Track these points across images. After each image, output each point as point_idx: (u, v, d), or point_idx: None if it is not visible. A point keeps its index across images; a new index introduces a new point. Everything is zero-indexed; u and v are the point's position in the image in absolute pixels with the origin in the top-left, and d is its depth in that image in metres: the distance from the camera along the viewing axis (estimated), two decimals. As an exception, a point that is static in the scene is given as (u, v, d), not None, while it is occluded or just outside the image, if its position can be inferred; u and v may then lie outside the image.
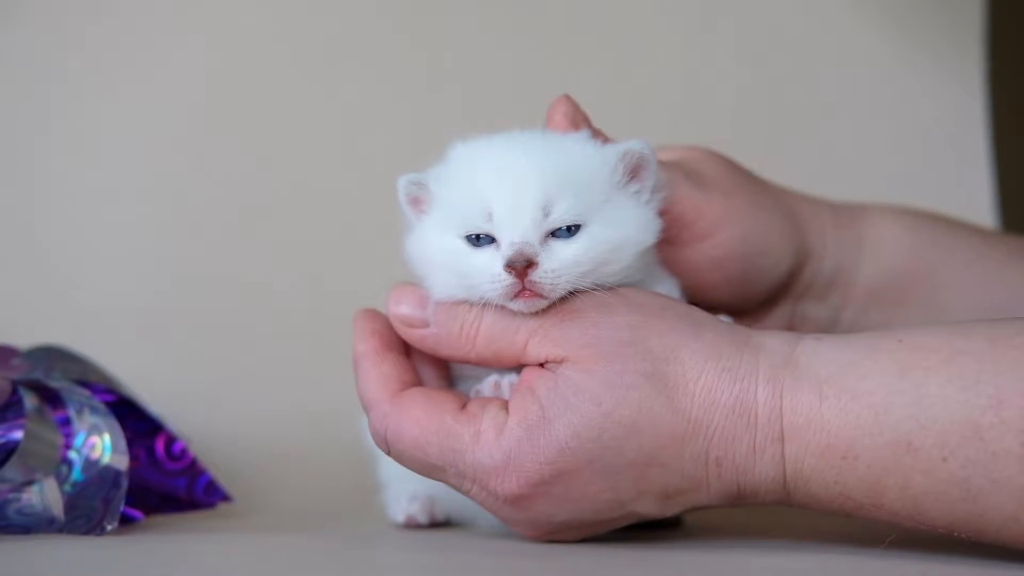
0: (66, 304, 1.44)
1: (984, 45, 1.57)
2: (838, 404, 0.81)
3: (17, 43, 1.48)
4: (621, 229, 0.88)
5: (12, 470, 0.98)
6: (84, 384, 1.04)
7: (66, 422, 1.01)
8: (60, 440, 1.01)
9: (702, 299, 0.96)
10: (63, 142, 1.48)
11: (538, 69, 1.55)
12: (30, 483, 0.98)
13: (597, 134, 0.93)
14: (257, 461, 1.30)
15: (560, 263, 0.85)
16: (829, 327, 1.07)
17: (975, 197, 1.55)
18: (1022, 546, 0.80)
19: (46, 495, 0.98)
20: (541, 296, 0.86)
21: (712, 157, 1.02)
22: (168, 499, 1.07)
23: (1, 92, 1.48)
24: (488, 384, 0.90)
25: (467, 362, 0.90)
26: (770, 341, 0.85)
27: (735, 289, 0.98)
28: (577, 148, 0.90)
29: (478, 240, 0.88)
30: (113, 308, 1.45)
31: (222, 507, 1.09)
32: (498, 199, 0.87)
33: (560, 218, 0.86)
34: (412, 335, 0.90)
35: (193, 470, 1.07)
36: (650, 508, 0.86)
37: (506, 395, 0.88)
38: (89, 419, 1.01)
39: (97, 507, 0.98)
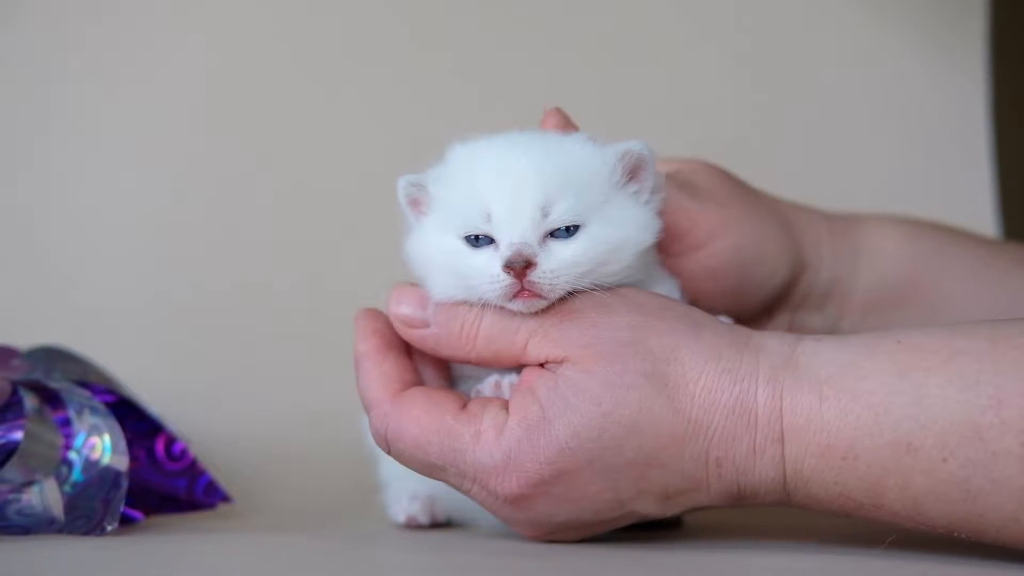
0: (66, 304, 1.44)
1: (987, 41, 1.57)
2: (838, 405, 0.81)
3: (17, 43, 1.48)
4: (620, 229, 0.88)
5: (12, 471, 0.98)
6: (84, 385, 1.04)
7: (66, 423, 1.01)
8: (60, 441, 1.01)
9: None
10: (63, 142, 1.48)
11: (538, 69, 1.55)
12: (30, 484, 0.98)
13: None
14: (257, 461, 1.30)
15: (559, 263, 0.85)
16: None
17: (976, 194, 1.55)
18: (1022, 546, 0.80)
19: (46, 496, 0.98)
20: (540, 296, 0.86)
21: (707, 168, 1.02)
22: (168, 500, 1.07)
23: (1, 92, 1.48)
24: (488, 384, 0.90)
25: (467, 362, 0.90)
26: (770, 342, 0.85)
27: (731, 300, 0.98)
28: (576, 149, 0.90)
29: (477, 241, 0.88)
30: (113, 308, 1.45)
31: (222, 507, 1.09)
32: (497, 200, 0.87)
33: (559, 219, 0.86)
34: (412, 335, 0.90)
35: (193, 471, 1.07)
36: (650, 508, 0.86)
37: (506, 395, 0.88)
38: (89, 420, 1.01)
39: (97, 508, 0.98)
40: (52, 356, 1.08)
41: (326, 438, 1.29)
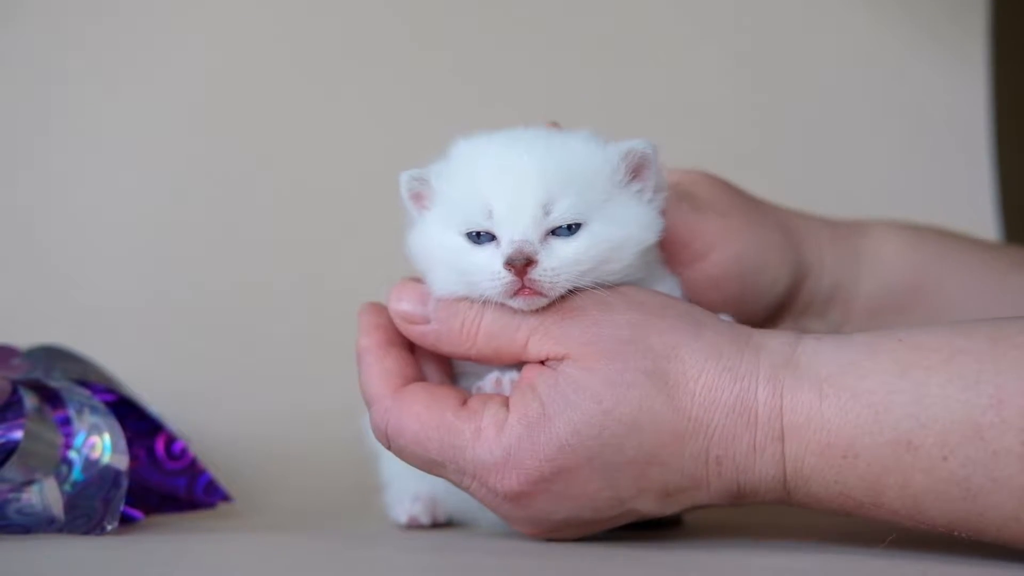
0: (66, 304, 1.44)
1: (987, 41, 1.57)
2: (838, 403, 0.81)
3: (17, 43, 1.48)
4: (622, 228, 0.88)
5: (12, 470, 0.98)
6: (84, 384, 1.04)
7: (66, 422, 1.01)
8: (60, 440, 1.01)
9: None
10: (63, 142, 1.48)
11: (538, 69, 1.55)
12: (30, 483, 0.98)
13: None
14: (257, 461, 1.30)
15: (560, 261, 0.85)
16: None
17: (977, 194, 1.55)
18: (1022, 546, 0.80)
19: (46, 495, 0.98)
20: (541, 294, 0.86)
21: (708, 179, 1.02)
22: (168, 499, 1.07)
23: (1, 92, 1.48)
24: (489, 381, 0.90)
25: (468, 359, 0.90)
26: (771, 340, 0.86)
27: (734, 308, 0.98)
28: (579, 146, 0.90)
29: (479, 237, 0.88)
30: (113, 308, 1.45)
31: (222, 507, 1.09)
32: (499, 197, 0.87)
33: (561, 216, 0.86)
34: (413, 331, 0.91)
35: (193, 470, 1.07)
36: (650, 506, 0.86)
37: (507, 392, 0.88)
38: (89, 419, 1.01)
39: (97, 507, 0.98)
40: (52, 355, 1.08)
41: (326, 438, 1.29)
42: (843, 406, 0.81)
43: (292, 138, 1.51)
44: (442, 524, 1.02)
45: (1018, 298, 1.08)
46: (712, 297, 0.97)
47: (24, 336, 1.17)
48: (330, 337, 1.26)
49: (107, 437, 1.00)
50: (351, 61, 1.53)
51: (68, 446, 1.00)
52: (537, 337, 0.86)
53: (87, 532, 0.97)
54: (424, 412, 0.87)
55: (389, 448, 0.90)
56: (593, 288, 0.86)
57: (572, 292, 0.86)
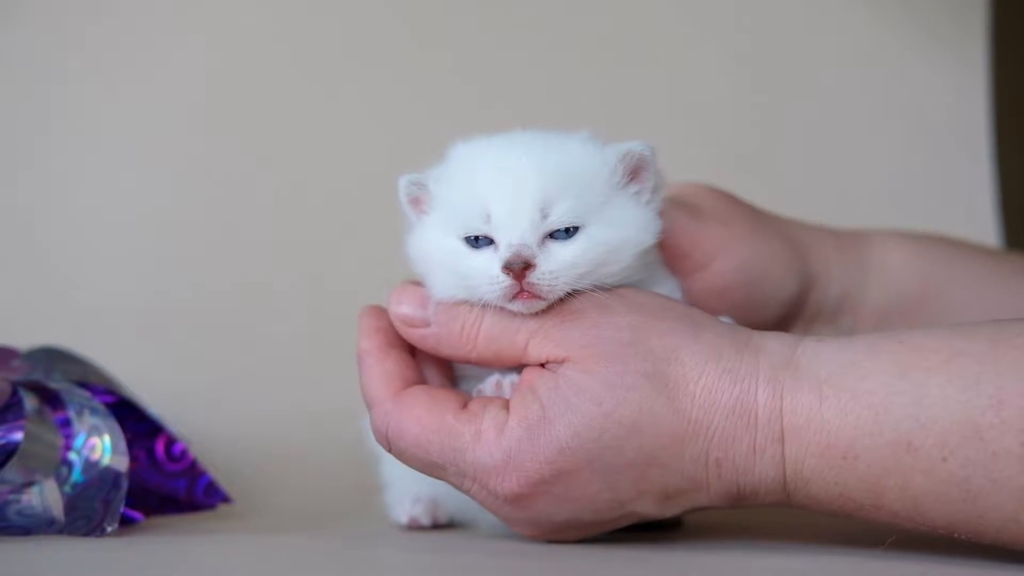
0: (66, 304, 1.44)
1: (987, 41, 1.57)
2: (838, 404, 0.81)
3: (17, 43, 1.48)
4: (620, 230, 0.88)
5: (12, 471, 0.98)
6: (84, 385, 1.04)
7: (66, 423, 1.01)
8: (60, 441, 1.01)
9: None
10: (63, 142, 1.48)
11: (538, 69, 1.55)
12: (30, 484, 0.98)
13: None
14: (257, 461, 1.30)
15: (558, 265, 0.86)
16: None
17: (977, 194, 1.55)
18: (1022, 547, 0.80)
19: (46, 496, 0.98)
20: (539, 297, 0.86)
21: (709, 190, 1.02)
22: (168, 500, 1.07)
23: (1, 92, 1.48)
24: (490, 383, 0.90)
25: (468, 362, 0.90)
26: (770, 342, 0.86)
27: (740, 317, 0.98)
28: (577, 149, 0.90)
29: (477, 241, 0.88)
30: (113, 308, 1.45)
31: (222, 508, 1.09)
32: (496, 200, 0.87)
33: (558, 220, 0.86)
34: (413, 335, 0.91)
35: (193, 471, 1.07)
36: (650, 508, 0.86)
37: (507, 395, 0.88)
38: (89, 420, 1.01)
39: (97, 508, 0.98)
40: (52, 357, 1.08)
41: (326, 438, 1.29)
42: (843, 407, 0.81)
43: (292, 138, 1.51)
44: (443, 525, 1.02)
45: (1023, 304, 1.08)
46: (717, 307, 0.97)
47: (24, 337, 1.17)
48: (330, 337, 1.26)
49: (107, 438, 1.00)
50: (351, 61, 1.53)
51: (68, 447, 1.00)
52: (537, 340, 0.86)
53: (87, 534, 0.97)
54: (424, 415, 0.87)
55: (390, 451, 0.90)
56: (592, 291, 0.86)
57: (571, 295, 0.86)
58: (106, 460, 1.00)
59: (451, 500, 0.99)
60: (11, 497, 0.98)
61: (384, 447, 0.90)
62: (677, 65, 1.57)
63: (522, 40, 1.55)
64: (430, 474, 0.89)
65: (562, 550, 0.89)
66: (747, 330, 0.87)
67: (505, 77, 1.54)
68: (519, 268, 0.85)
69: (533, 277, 0.85)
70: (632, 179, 0.90)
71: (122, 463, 0.99)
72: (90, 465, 1.00)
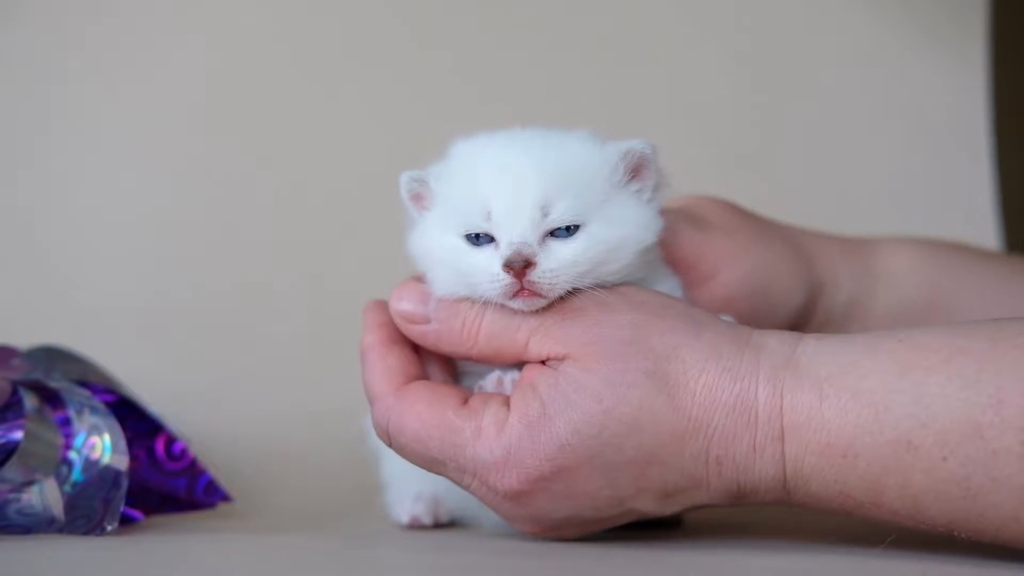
0: (66, 304, 1.44)
1: (987, 41, 1.57)
2: (838, 403, 0.81)
3: (17, 43, 1.48)
4: (621, 229, 0.88)
5: (12, 470, 0.98)
6: (84, 384, 1.04)
7: (66, 422, 1.01)
8: (60, 440, 1.01)
9: None
10: (63, 142, 1.48)
11: (538, 69, 1.55)
12: (30, 483, 0.98)
13: None
14: (257, 461, 1.30)
15: (558, 263, 0.86)
16: None
17: (977, 195, 1.55)
18: (1022, 545, 0.80)
19: (46, 495, 0.98)
20: (540, 295, 0.86)
21: (715, 202, 1.03)
22: (168, 499, 1.07)
23: (1, 92, 1.48)
24: (491, 380, 0.90)
25: (468, 359, 0.90)
26: (771, 341, 0.86)
27: (749, 326, 0.98)
28: (578, 147, 0.90)
29: (477, 239, 0.88)
30: (113, 308, 1.45)
31: (222, 507, 1.09)
32: (497, 198, 0.87)
33: (559, 218, 0.86)
34: (413, 331, 0.91)
35: (193, 470, 1.07)
36: (650, 506, 0.86)
37: (508, 391, 0.88)
38: (89, 419, 1.01)
39: (97, 507, 0.98)
40: (52, 356, 1.08)
41: (326, 438, 1.29)
42: (843, 406, 0.81)
43: (292, 138, 1.51)
44: (443, 524, 1.02)
45: None
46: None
47: (24, 336, 1.17)
48: (330, 337, 1.26)
49: (107, 438, 1.00)
50: (351, 61, 1.53)
51: (68, 447, 1.00)
52: (538, 337, 0.86)
53: (87, 533, 0.97)
54: (425, 410, 0.87)
55: (390, 446, 0.90)
56: (593, 289, 0.86)
57: (572, 292, 0.86)
58: (106, 459, 1.00)
59: (452, 498, 0.99)
60: (11, 496, 0.98)
61: (385, 442, 0.90)
62: (677, 65, 1.57)
63: (522, 40, 1.56)
64: (430, 470, 0.89)
65: (562, 549, 0.89)
66: (747, 328, 0.87)
67: (505, 77, 1.54)
68: (519, 266, 0.85)
69: (533, 275, 0.85)
70: (633, 177, 0.90)
71: (122, 462, 0.99)
72: (90, 464, 1.00)
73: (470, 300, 0.88)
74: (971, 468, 0.78)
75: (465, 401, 0.87)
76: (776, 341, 0.86)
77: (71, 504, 0.98)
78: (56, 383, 1.03)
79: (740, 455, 0.83)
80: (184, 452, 1.07)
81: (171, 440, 1.07)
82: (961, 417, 0.78)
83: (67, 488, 0.99)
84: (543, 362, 0.86)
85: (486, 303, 0.87)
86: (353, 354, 0.94)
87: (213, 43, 1.51)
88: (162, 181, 1.49)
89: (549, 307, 0.87)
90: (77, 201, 1.47)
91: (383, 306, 0.93)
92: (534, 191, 0.86)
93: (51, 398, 1.02)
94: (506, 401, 0.86)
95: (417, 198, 0.92)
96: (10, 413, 1.01)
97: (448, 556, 0.91)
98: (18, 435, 1.00)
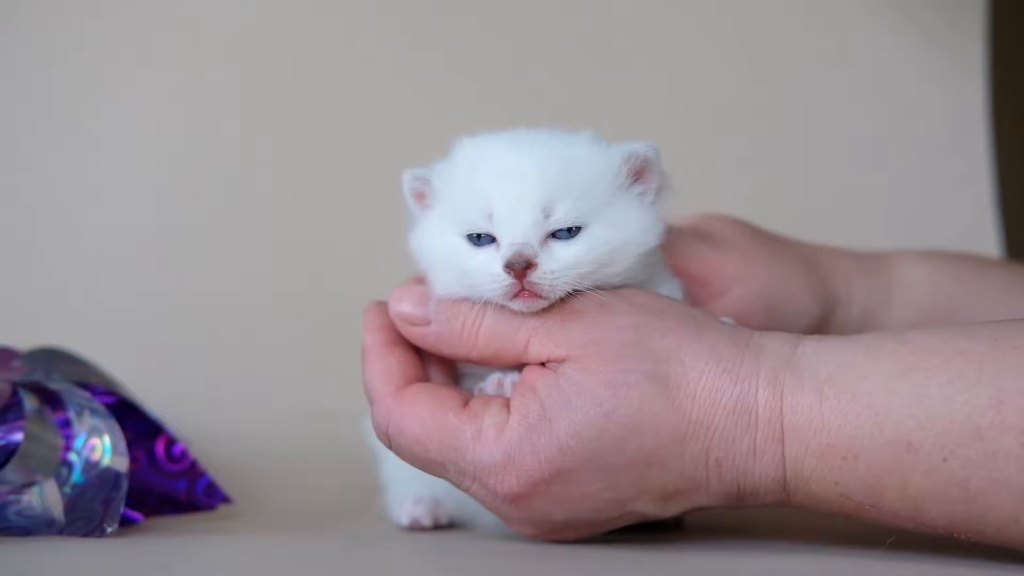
0: (66, 304, 1.44)
1: (986, 41, 1.57)
2: (838, 404, 0.81)
3: (17, 42, 1.48)
4: (623, 231, 0.88)
5: (12, 472, 0.98)
6: (84, 386, 1.04)
7: (66, 424, 1.01)
8: (60, 442, 1.01)
9: None
10: (63, 142, 1.48)
11: (538, 69, 1.55)
12: (30, 485, 0.98)
13: None
14: (257, 461, 1.30)
15: (559, 264, 0.85)
16: None
17: (976, 194, 1.55)
18: (1022, 547, 0.80)
19: (46, 497, 0.98)
20: (540, 296, 0.86)
21: (725, 220, 1.04)
22: (168, 501, 1.07)
23: (1, 92, 1.48)
24: (491, 382, 0.90)
25: (468, 361, 0.90)
26: (771, 342, 0.86)
27: None
28: (581, 149, 0.90)
29: (479, 239, 0.87)
30: (113, 308, 1.45)
31: (222, 508, 1.09)
32: (499, 199, 0.86)
33: (561, 219, 0.86)
34: (412, 332, 0.91)
35: (193, 472, 1.07)
36: (650, 508, 0.86)
37: (508, 393, 0.88)
38: (89, 421, 1.01)
39: (97, 509, 0.98)
40: (52, 357, 1.08)
41: (326, 438, 1.29)
42: (843, 407, 0.81)
43: (292, 138, 1.51)
44: (443, 526, 1.02)
45: None
46: None
47: (24, 338, 1.17)
48: (330, 337, 1.26)
49: (107, 439, 1.00)
50: (351, 61, 1.53)
51: (68, 448, 1.00)
52: (538, 339, 0.86)
53: (87, 534, 0.97)
54: (425, 412, 0.87)
55: (390, 447, 0.90)
56: (593, 291, 0.86)
57: (573, 294, 0.86)
58: (106, 461, 1.00)
59: (451, 500, 0.99)
60: (11, 498, 0.98)
61: (384, 443, 0.90)
62: (677, 65, 1.57)
63: (522, 40, 1.56)
64: (430, 472, 0.89)
65: (562, 550, 0.89)
66: (748, 330, 0.87)
67: (505, 77, 1.54)
68: (520, 267, 0.85)
69: (534, 276, 0.85)
70: (636, 180, 0.90)
71: (122, 464, 0.99)
72: (90, 466, 1.00)
73: (470, 301, 0.88)
74: (971, 469, 0.78)
75: (465, 403, 0.87)
76: (776, 342, 0.86)
77: (71, 506, 0.98)
78: (56, 384, 1.03)
79: (740, 457, 0.83)
80: (184, 454, 1.07)
81: (171, 442, 1.07)
82: (961, 419, 0.79)
83: (67, 490, 0.99)
84: (543, 364, 0.86)
85: (486, 304, 0.87)
86: (353, 354, 0.94)
87: (213, 43, 1.52)
88: (162, 181, 1.49)
89: (549, 309, 0.86)
90: (77, 201, 1.48)
91: (384, 307, 0.93)
92: (536, 192, 0.86)
93: (51, 400, 1.02)
94: (506, 403, 0.86)
95: (419, 196, 0.92)
96: (10, 415, 1.01)
97: (448, 558, 0.91)
98: (18, 437, 1.00)
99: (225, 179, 1.50)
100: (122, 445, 1.00)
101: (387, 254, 0.95)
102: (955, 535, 0.81)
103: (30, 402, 1.01)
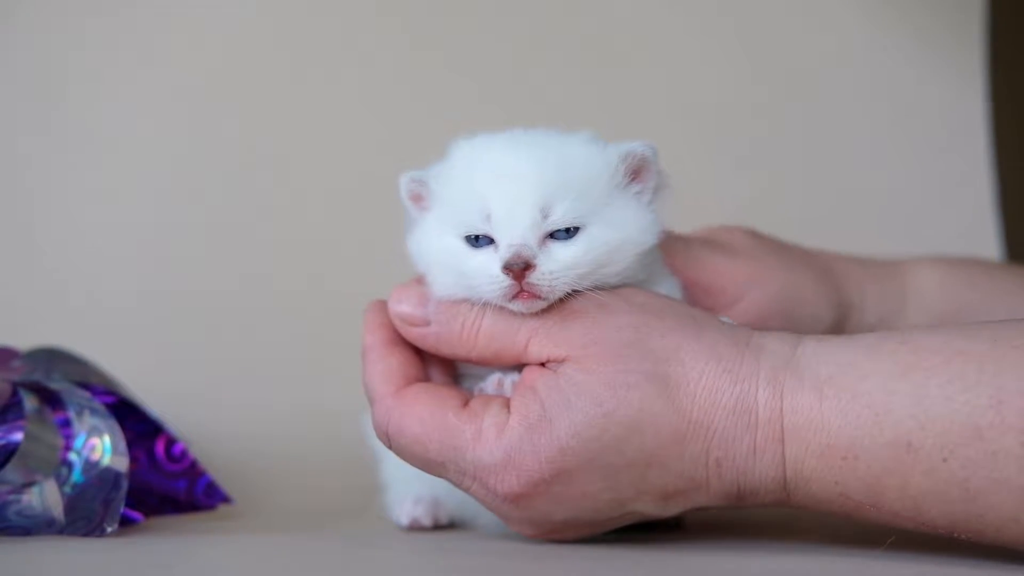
0: (66, 305, 1.44)
1: (985, 42, 1.57)
2: (838, 404, 0.81)
3: (17, 43, 1.48)
4: (621, 231, 0.88)
5: (12, 472, 0.98)
6: (84, 386, 1.04)
7: (66, 424, 1.01)
8: (60, 442, 1.01)
9: None
10: (63, 142, 1.48)
11: (538, 69, 1.55)
12: (30, 485, 0.98)
13: None
14: (257, 461, 1.30)
15: (558, 265, 0.85)
16: None
17: (976, 194, 1.55)
18: (1022, 547, 0.80)
19: (46, 497, 0.98)
20: (539, 297, 0.86)
21: (738, 230, 1.04)
22: (168, 501, 1.07)
23: (1, 92, 1.48)
24: (491, 382, 0.90)
25: (468, 361, 0.90)
26: (771, 342, 0.86)
27: None
28: (578, 149, 0.89)
29: (477, 241, 0.87)
30: (113, 308, 1.45)
31: (222, 508, 1.09)
32: (497, 200, 0.86)
33: (559, 220, 0.86)
34: (412, 333, 0.91)
35: (193, 472, 1.07)
36: (650, 508, 0.86)
37: (508, 393, 0.88)
38: (89, 421, 1.01)
39: (97, 509, 0.98)
40: (52, 357, 1.08)
41: (326, 438, 1.29)
42: (843, 407, 0.81)
43: (292, 138, 1.52)
44: (443, 526, 1.02)
45: None
46: None
47: (24, 337, 1.17)
48: (330, 337, 1.26)
49: (107, 439, 1.00)
50: (351, 61, 1.53)
51: (68, 448, 1.00)
52: (538, 339, 0.86)
53: (87, 534, 0.97)
54: (425, 412, 0.87)
55: (390, 447, 0.90)
56: (593, 291, 0.86)
57: (572, 294, 0.86)
58: (106, 460, 1.00)
59: (451, 500, 0.99)
60: (11, 497, 0.98)
61: (384, 443, 0.90)
62: (676, 65, 1.57)
63: (522, 40, 1.56)
64: (430, 471, 0.89)
65: (562, 550, 0.89)
66: (748, 330, 0.87)
67: (504, 77, 1.55)
68: (519, 268, 0.84)
69: (533, 277, 0.85)
70: (634, 179, 0.90)
71: (122, 463, 0.99)
72: (90, 465, 1.00)
73: (469, 302, 0.88)
74: (971, 469, 0.78)
75: (465, 403, 0.87)
76: (776, 343, 0.86)
77: (71, 505, 0.98)
78: (56, 384, 1.03)
79: (740, 457, 0.83)
80: (184, 454, 1.07)
81: (171, 441, 1.07)
82: (961, 419, 0.79)
83: (67, 489, 0.99)
84: (543, 364, 0.86)
85: (485, 305, 0.87)
86: (353, 354, 0.94)
87: (213, 43, 1.52)
88: (162, 181, 1.49)
89: (549, 309, 0.86)
90: (77, 201, 1.48)
91: (384, 306, 0.93)
92: (534, 193, 0.86)
93: (51, 399, 1.02)
94: (506, 403, 0.86)
95: (417, 198, 0.92)
96: (10, 414, 1.01)
97: (448, 558, 0.91)
98: (18, 436, 1.00)
99: (225, 179, 1.50)
100: (122, 445, 1.00)
101: (387, 254, 0.96)
102: (955, 535, 0.81)
103: (30, 402, 1.01)
